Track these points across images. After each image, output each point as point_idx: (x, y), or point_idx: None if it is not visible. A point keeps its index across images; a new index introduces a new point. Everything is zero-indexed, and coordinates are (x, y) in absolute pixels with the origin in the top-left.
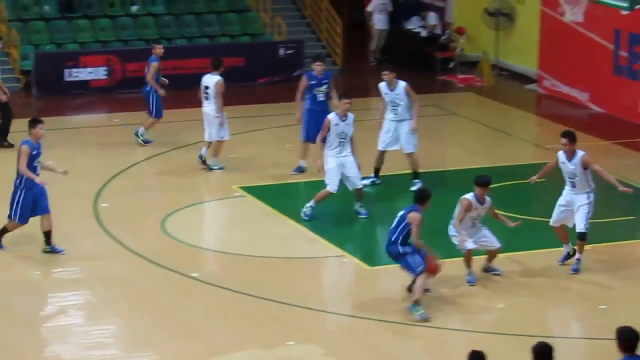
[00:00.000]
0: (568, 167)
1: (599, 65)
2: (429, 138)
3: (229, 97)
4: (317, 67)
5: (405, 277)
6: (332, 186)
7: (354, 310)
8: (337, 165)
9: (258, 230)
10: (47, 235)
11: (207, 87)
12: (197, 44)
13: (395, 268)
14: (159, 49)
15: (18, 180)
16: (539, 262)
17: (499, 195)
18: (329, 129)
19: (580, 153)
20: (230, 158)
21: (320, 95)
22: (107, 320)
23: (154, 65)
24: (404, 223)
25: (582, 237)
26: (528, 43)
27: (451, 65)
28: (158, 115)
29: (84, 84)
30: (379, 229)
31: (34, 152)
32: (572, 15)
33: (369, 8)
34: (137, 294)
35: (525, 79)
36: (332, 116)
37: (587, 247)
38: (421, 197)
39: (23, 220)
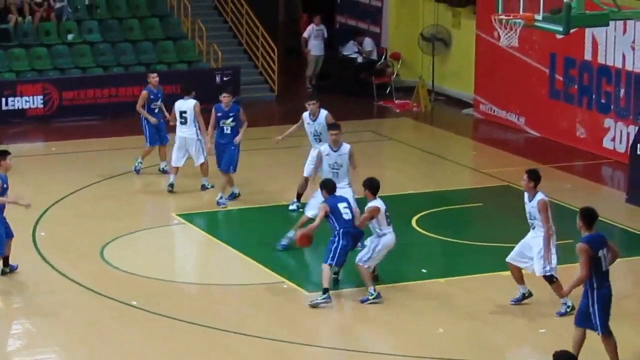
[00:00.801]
0: (527, 207)
1: (535, 89)
2: (366, 163)
3: (167, 124)
4: (224, 99)
5: (344, 303)
6: (309, 211)
7: (291, 336)
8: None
9: (197, 257)
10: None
11: (183, 112)
12: (133, 71)
13: (333, 294)
14: (152, 78)
15: None
16: (476, 286)
17: (436, 220)
18: (321, 161)
19: (539, 196)
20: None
21: (227, 127)
22: (46, 349)
23: (143, 94)
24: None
25: (548, 280)
26: (464, 68)
27: (387, 90)
28: (152, 143)
29: (21, 113)
30: (315, 255)
31: (5, 186)
32: (508, 39)
33: (305, 34)
34: (76, 323)
35: (461, 103)
36: (323, 148)
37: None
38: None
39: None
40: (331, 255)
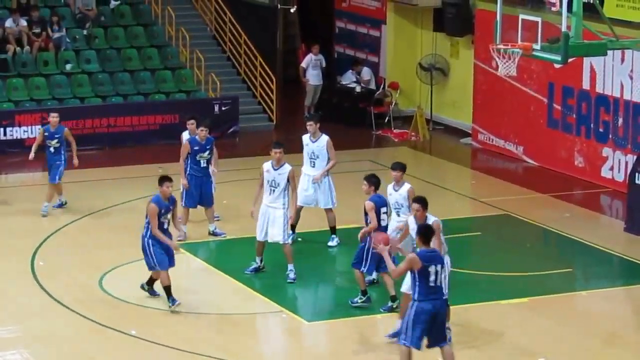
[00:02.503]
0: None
1: (533, 118)
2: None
3: (165, 153)
4: (201, 133)
5: (344, 332)
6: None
7: None
8: (262, 214)
9: (196, 286)
10: None
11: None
12: (132, 101)
13: (333, 323)
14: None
15: None
16: (474, 315)
17: None
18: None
19: (432, 219)
20: None
21: (203, 161)
22: None
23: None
24: None
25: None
26: (462, 97)
27: (386, 120)
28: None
29: (19, 143)
30: (314, 285)
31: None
32: (506, 69)
33: (303, 64)
34: (75, 352)
35: (459, 132)
36: (265, 164)
37: (523, 299)
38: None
39: None
40: (363, 261)
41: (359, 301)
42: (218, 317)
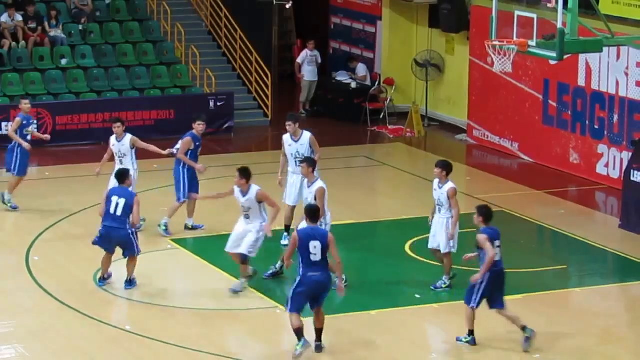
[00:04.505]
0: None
1: (528, 115)
2: (359, 189)
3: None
4: (199, 127)
5: (339, 328)
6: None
7: None
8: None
9: (190, 282)
10: None
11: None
12: (127, 96)
13: (328, 318)
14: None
15: None
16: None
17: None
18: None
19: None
20: (162, 210)
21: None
22: None
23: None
24: None
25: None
26: (457, 93)
27: (381, 116)
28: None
29: None
30: None
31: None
32: (501, 65)
33: (299, 60)
34: (70, 348)
35: (455, 129)
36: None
37: (517, 296)
38: None
39: None
40: (474, 297)
41: (464, 340)
42: (212, 313)
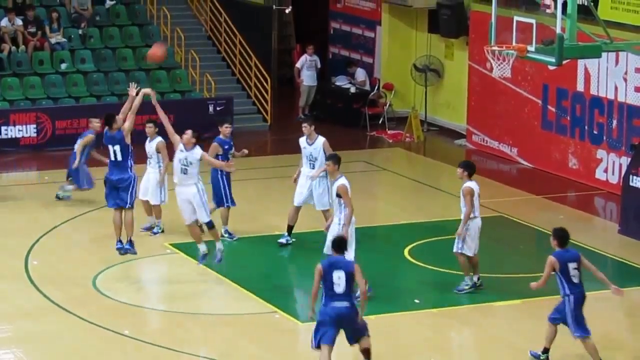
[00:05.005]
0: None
1: (527, 120)
2: (359, 194)
3: None
4: (226, 130)
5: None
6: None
7: None
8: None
9: (189, 287)
10: None
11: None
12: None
13: None
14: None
15: None
16: (468, 316)
17: (429, 250)
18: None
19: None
20: (163, 214)
21: (230, 157)
22: None
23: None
24: None
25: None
26: (456, 98)
27: (380, 121)
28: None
29: (14, 142)
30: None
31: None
32: (500, 70)
33: (298, 64)
34: (69, 352)
35: (454, 134)
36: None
37: (517, 301)
38: None
39: None
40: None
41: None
42: (211, 318)
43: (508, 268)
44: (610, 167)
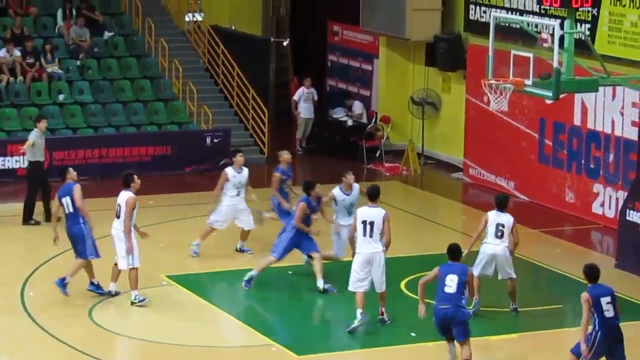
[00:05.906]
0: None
1: (524, 154)
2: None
3: (157, 185)
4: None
5: None
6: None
7: None
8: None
9: (185, 319)
10: None
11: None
12: (124, 132)
13: (324, 356)
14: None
15: None
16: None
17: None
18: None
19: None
20: (159, 247)
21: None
22: None
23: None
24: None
25: None
26: (453, 132)
27: (377, 154)
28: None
29: (11, 172)
30: (305, 317)
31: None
32: (497, 104)
33: (295, 97)
34: None
35: (451, 167)
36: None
37: (513, 335)
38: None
39: None
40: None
41: None
42: (207, 350)
43: (504, 302)
44: (607, 201)
